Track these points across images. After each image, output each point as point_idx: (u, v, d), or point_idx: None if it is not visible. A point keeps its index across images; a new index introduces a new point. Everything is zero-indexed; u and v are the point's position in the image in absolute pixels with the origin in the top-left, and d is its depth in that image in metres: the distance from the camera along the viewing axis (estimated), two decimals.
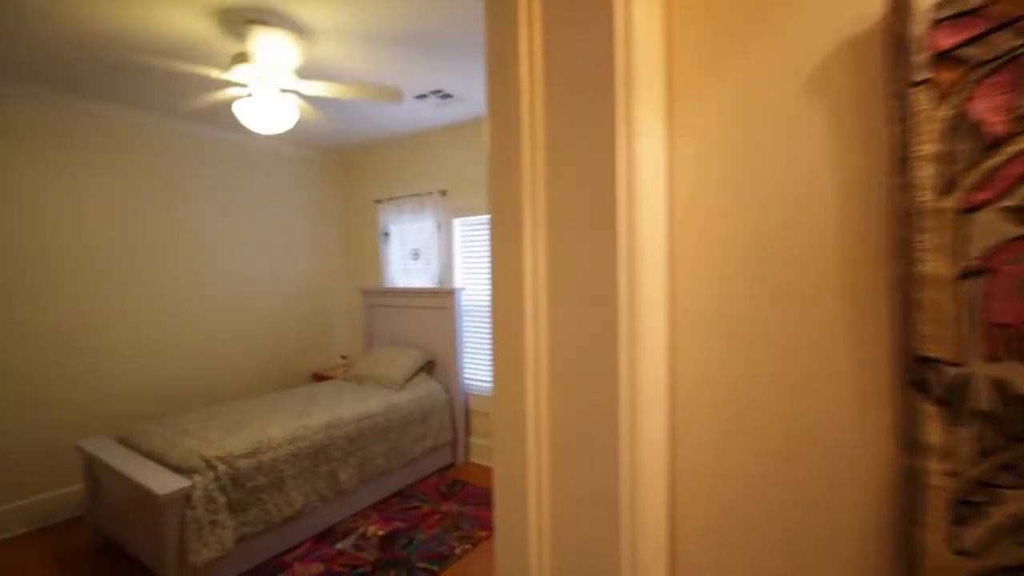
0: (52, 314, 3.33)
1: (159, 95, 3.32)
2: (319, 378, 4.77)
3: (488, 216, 0.69)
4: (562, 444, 0.60)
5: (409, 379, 4.02)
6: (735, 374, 0.61)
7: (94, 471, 2.95)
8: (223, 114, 3.73)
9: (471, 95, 3.38)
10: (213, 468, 2.59)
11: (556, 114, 0.60)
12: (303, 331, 4.87)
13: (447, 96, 3.36)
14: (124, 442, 3.02)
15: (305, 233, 4.88)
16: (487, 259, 3.99)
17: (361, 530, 3.15)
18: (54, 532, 3.20)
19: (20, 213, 3.20)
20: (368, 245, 5.06)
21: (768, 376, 0.59)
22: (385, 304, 4.58)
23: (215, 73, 2.28)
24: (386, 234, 4.68)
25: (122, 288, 3.65)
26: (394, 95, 2.74)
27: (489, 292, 0.67)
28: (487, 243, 3.90)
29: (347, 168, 5.22)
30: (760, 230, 0.59)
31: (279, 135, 4.37)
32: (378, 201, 4.77)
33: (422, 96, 3.36)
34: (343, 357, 5.03)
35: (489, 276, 0.67)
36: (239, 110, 2.29)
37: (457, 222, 4.31)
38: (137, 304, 3.72)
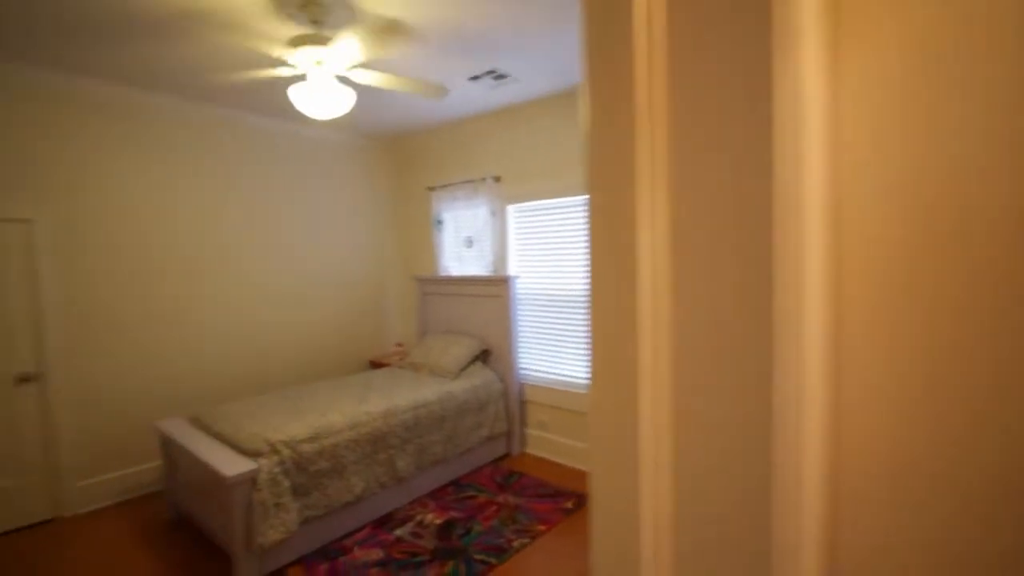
0: (138, 302, 3.51)
1: (230, 90, 3.40)
2: (376, 365, 4.84)
3: (585, 192, 0.57)
4: (692, 468, 0.49)
5: (464, 368, 3.99)
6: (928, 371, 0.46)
7: (170, 450, 3.10)
8: (281, 103, 3.79)
9: (526, 75, 3.25)
10: (277, 452, 2.64)
11: (683, 36, 0.47)
12: (359, 319, 4.94)
13: (502, 76, 3.24)
14: (196, 423, 3.14)
15: (360, 222, 4.93)
16: (565, 243, 3.86)
17: (418, 518, 3.15)
18: (136, 505, 3.40)
19: (111, 206, 3.37)
20: (421, 233, 5.06)
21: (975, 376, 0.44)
22: (439, 292, 4.56)
23: (273, 53, 2.27)
24: (439, 221, 4.65)
25: (195, 278, 3.80)
26: (439, 91, 2.68)
27: (587, 280, 0.56)
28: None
29: (400, 156, 5.23)
30: (960, 191, 0.44)
31: (334, 123, 4.40)
32: (431, 188, 4.74)
33: (476, 77, 3.26)
34: (398, 345, 5.07)
35: (587, 263, 0.56)
36: (294, 94, 2.27)
37: (511, 208, 4.20)
38: (208, 293, 3.87)
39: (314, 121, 4.27)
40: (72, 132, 3.24)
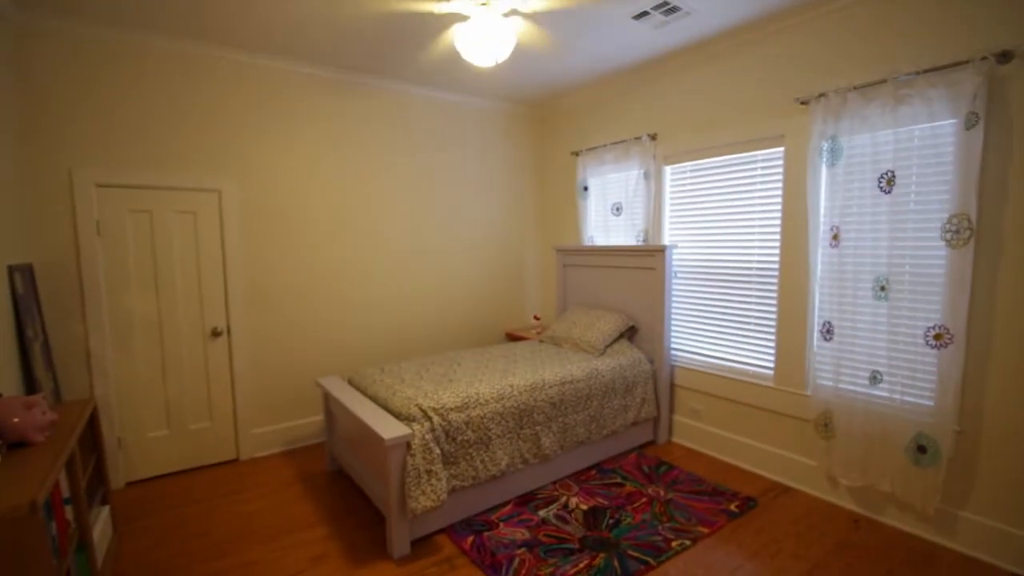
0: (299, 268, 3.76)
1: (381, 57, 3.41)
2: (512, 338, 4.74)
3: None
4: None
5: (609, 345, 3.69)
6: None
7: (330, 406, 3.26)
8: (429, 69, 3.72)
9: (703, 5, 2.75)
10: (429, 419, 2.60)
11: None
12: (498, 290, 4.87)
13: (673, 10, 2.79)
14: (352, 383, 3.27)
15: (500, 190, 4.81)
16: (714, 212, 3.37)
17: (563, 499, 2.96)
18: (299, 455, 3.68)
19: (278, 178, 3.61)
20: (564, 201, 4.80)
21: None
22: (581, 264, 4.28)
23: (435, 7, 2.12)
24: (585, 188, 4.34)
25: (348, 246, 3.97)
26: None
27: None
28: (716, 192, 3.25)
29: (543, 120, 4.98)
30: None
31: (477, 88, 4.27)
32: (575, 153, 4.43)
33: (642, 15, 2.84)
34: (536, 318, 4.92)
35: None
36: (458, 37, 2.10)
37: (668, 170, 3.74)
38: (358, 261, 4.03)
39: (459, 86, 4.18)
40: (249, 107, 3.48)
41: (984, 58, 2.20)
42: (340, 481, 3.25)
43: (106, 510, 2.51)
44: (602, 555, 2.44)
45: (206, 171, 3.35)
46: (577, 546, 2.51)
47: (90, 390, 3.05)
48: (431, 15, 2.70)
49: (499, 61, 2.47)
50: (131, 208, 3.14)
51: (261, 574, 2.34)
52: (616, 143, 4.01)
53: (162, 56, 3.16)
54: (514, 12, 2.44)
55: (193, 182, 3.30)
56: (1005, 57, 2.19)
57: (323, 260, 3.86)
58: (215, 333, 3.44)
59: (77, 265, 2.98)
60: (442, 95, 4.32)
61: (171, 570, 2.38)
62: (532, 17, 2.73)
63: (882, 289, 2.58)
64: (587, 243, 4.37)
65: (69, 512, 1.99)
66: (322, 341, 3.90)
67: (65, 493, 1.98)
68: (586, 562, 2.38)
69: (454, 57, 3.48)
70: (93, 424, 2.50)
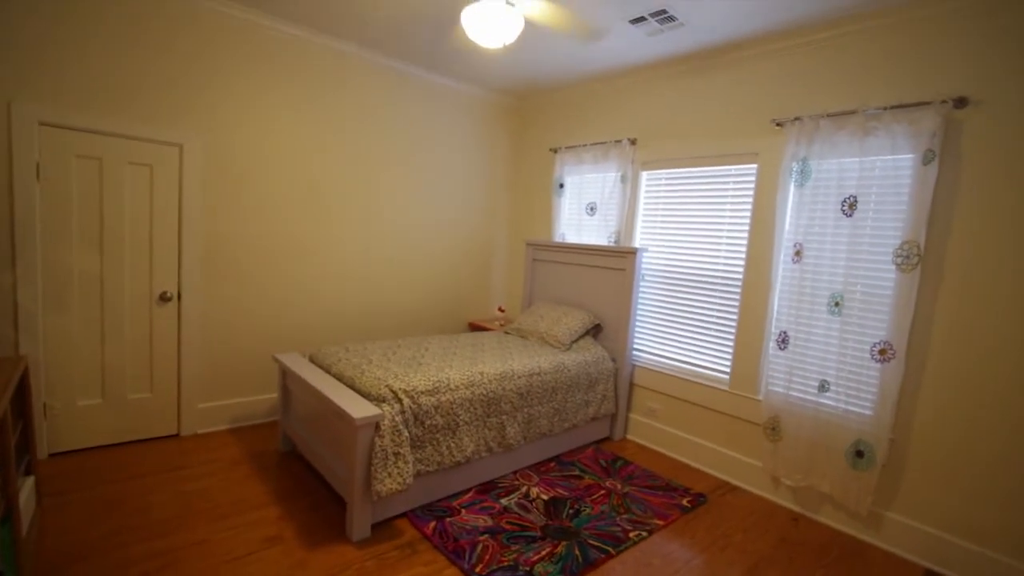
0: (260, 236, 3.55)
1: (370, 26, 3.29)
2: (475, 327, 4.72)
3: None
4: None
5: (575, 341, 3.75)
6: None
7: (288, 383, 3.11)
8: (419, 45, 3.64)
9: (699, 17, 2.85)
10: (399, 401, 2.54)
11: None
12: (464, 278, 4.83)
13: (670, 19, 2.87)
14: (314, 360, 3.14)
15: (476, 179, 4.77)
16: (684, 217, 3.50)
17: (524, 489, 2.98)
18: (247, 433, 3.49)
19: (244, 139, 3.40)
20: (538, 196, 4.82)
21: None
22: (551, 259, 4.33)
23: None
24: (561, 185, 4.38)
25: (314, 219, 3.80)
26: (592, 34, 2.39)
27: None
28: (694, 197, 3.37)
29: (525, 113, 4.98)
30: None
31: (464, 74, 4.21)
32: (554, 150, 4.46)
33: (638, 20, 2.91)
34: (500, 309, 4.92)
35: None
36: (467, 18, 2.06)
37: (645, 175, 3.85)
38: (324, 236, 3.87)
39: (444, 68, 4.10)
40: (225, 62, 3.26)
41: (944, 101, 2.42)
42: (293, 462, 3.12)
43: (30, 481, 2.28)
44: (564, 543, 2.48)
45: (169, 123, 3.10)
46: (539, 534, 2.54)
47: (15, 348, 2.75)
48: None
49: (507, 44, 2.44)
50: (78, 153, 2.86)
51: (211, 554, 2.20)
52: (596, 144, 4.08)
53: None
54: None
55: (153, 133, 3.05)
56: (961, 103, 2.41)
57: (286, 232, 3.68)
58: (164, 298, 3.20)
59: (10, 209, 2.68)
60: (425, 75, 4.23)
61: (106, 548, 2.19)
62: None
63: (836, 305, 2.78)
64: (558, 240, 4.42)
65: None
66: (280, 315, 3.71)
67: None
68: (548, 549, 2.42)
69: (450, 38, 3.41)
70: (22, 386, 2.26)
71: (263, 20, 3.34)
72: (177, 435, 3.35)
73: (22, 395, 2.27)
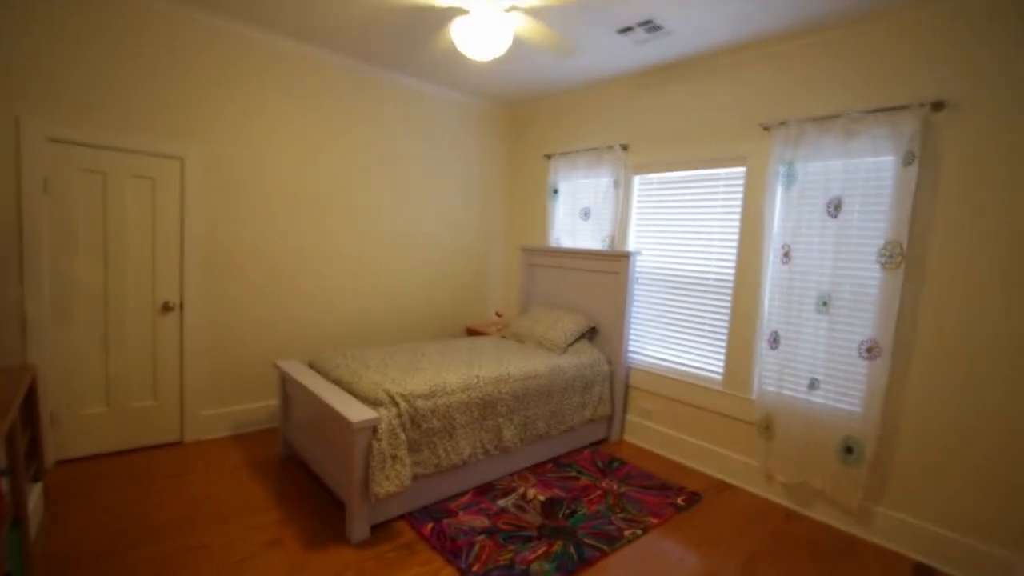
0: (260, 247, 3.63)
1: (365, 38, 3.37)
2: (472, 332, 4.78)
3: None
4: None
5: (571, 344, 3.80)
6: None
7: (288, 389, 3.17)
8: (411, 55, 3.72)
9: (684, 26, 2.93)
10: (396, 404, 2.60)
11: None
12: (462, 284, 4.89)
13: (656, 28, 2.95)
14: (313, 366, 3.20)
15: (471, 186, 4.84)
16: (678, 221, 3.56)
17: (521, 490, 3.03)
18: (249, 439, 3.55)
19: (244, 151, 3.48)
20: (533, 202, 4.89)
21: None
22: (547, 264, 4.39)
23: (437, 1, 2.14)
24: (555, 191, 4.46)
25: (313, 229, 3.87)
26: (567, 50, 2.48)
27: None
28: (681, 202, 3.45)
29: (518, 121, 5.06)
30: None
31: (456, 82, 4.30)
32: (548, 156, 4.54)
33: (626, 30, 2.98)
34: (498, 314, 4.98)
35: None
36: (457, 31, 2.14)
37: (637, 180, 3.92)
38: (323, 245, 3.95)
39: (439, 78, 4.19)
40: (222, 76, 3.35)
41: (922, 105, 2.49)
42: (293, 467, 3.17)
43: (39, 487, 2.34)
44: (559, 542, 2.52)
45: (169, 136, 3.19)
46: (535, 534, 2.59)
47: (23, 358, 2.82)
48: (431, 8, 2.72)
49: (497, 56, 2.52)
50: (84, 168, 2.94)
51: (212, 557, 2.26)
52: (589, 149, 4.15)
53: (137, 7, 2.98)
54: (514, 8, 2.50)
55: (154, 146, 3.13)
56: (939, 106, 2.48)
57: (285, 241, 3.75)
58: (167, 307, 3.27)
59: (18, 223, 2.76)
60: (421, 85, 4.32)
61: (112, 552, 2.25)
62: (532, 12, 2.80)
63: (824, 304, 2.84)
64: (553, 244, 4.49)
65: (4, 484, 1.85)
66: (280, 323, 3.78)
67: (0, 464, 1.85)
68: (544, 548, 2.46)
69: (441, 48, 3.50)
70: (31, 395, 2.33)
71: (260, 34, 3.43)
72: (180, 442, 3.41)
73: (30, 404, 2.34)
